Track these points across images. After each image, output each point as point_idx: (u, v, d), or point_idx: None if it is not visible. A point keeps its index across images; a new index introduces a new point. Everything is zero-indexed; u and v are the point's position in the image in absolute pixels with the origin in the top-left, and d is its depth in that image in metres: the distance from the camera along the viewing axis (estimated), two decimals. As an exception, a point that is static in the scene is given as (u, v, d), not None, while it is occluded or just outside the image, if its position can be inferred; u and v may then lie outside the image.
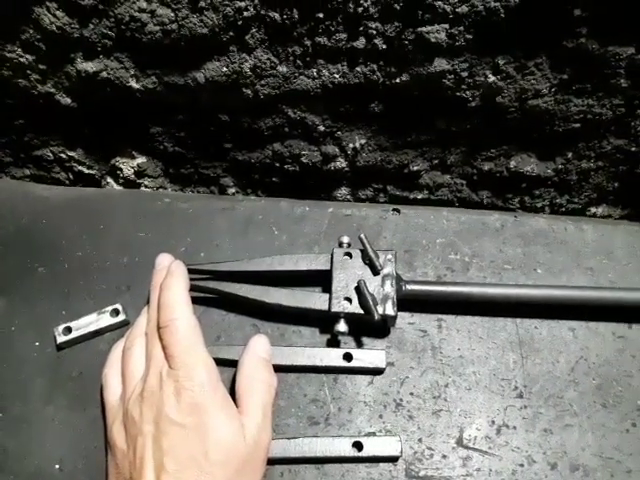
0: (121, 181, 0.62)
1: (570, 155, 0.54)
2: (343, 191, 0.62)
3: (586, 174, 0.56)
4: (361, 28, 0.43)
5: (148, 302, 0.41)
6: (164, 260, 0.42)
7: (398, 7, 0.41)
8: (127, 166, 0.60)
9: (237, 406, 0.36)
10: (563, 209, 0.61)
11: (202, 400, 0.34)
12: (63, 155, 0.60)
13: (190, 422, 0.33)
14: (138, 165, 0.60)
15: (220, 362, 0.39)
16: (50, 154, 0.60)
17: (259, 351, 0.39)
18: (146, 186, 0.62)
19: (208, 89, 0.49)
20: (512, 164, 0.55)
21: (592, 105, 0.48)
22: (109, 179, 0.63)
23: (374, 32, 0.43)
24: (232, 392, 0.37)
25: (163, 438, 0.33)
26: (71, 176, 0.63)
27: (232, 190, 0.63)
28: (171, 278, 0.40)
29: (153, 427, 0.34)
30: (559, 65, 0.45)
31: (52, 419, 0.40)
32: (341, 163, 0.57)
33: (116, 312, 0.43)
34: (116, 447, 0.35)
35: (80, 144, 0.59)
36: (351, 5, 0.41)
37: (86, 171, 0.62)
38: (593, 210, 0.61)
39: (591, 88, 0.46)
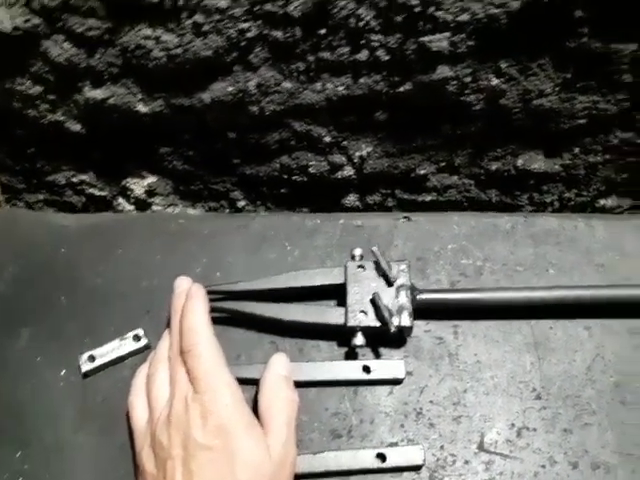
0: (132, 201, 0.63)
1: (577, 150, 0.54)
2: (352, 198, 0.62)
3: (594, 167, 0.56)
4: (363, 41, 0.43)
5: (168, 326, 0.42)
6: (183, 283, 0.43)
7: (399, 19, 0.41)
8: (138, 186, 0.61)
9: (261, 425, 0.37)
10: (572, 203, 0.61)
11: (228, 422, 0.35)
12: (74, 179, 0.61)
13: (217, 444, 0.34)
14: (148, 185, 0.61)
15: (241, 381, 0.40)
16: (62, 179, 0.61)
17: (279, 369, 0.40)
18: (157, 204, 0.63)
19: (214, 109, 0.50)
20: (519, 162, 0.55)
21: (597, 101, 0.48)
22: (120, 199, 0.64)
23: (376, 44, 0.43)
24: (255, 411, 0.38)
25: (192, 461, 0.34)
26: (83, 199, 0.64)
27: (242, 203, 0.64)
28: (191, 302, 0.40)
29: (182, 451, 0.35)
30: (562, 65, 0.45)
31: (81, 446, 0.41)
32: (348, 171, 0.58)
33: (138, 337, 0.44)
34: (146, 472, 0.36)
35: (91, 168, 0.60)
36: (352, 20, 0.42)
37: (97, 193, 0.63)
38: (602, 202, 0.61)
39: (595, 85, 0.46)
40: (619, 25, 0.41)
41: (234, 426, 0.35)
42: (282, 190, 0.61)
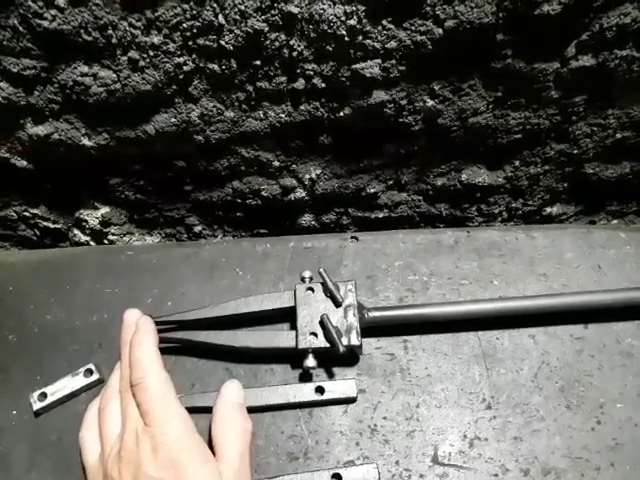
0: (88, 232, 0.63)
1: (517, 163, 0.56)
2: (307, 218, 0.63)
3: (535, 178, 0.58)
4: (298, 70, 0.45)
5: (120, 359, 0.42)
6: (132, 316, 0.43)
7: (330, 48, 0.42)
8: (92, 217, 0.61)
9: (214, 454, 0.37)
10: (520, 212, 0.63)
11: (179, 453, 0.35)
12: (26, 213, 0.60)
13: (169, 476, 0.34)
14: (102, 215, 0.61)
15: (196, 410, 0.40)
16: (13, 214, 0.60)
17: (231, 397, 0.40)
18: (113, 234, 0.63)
19: (160, 139, 0.50)
20: (464, 177, 0.57)
21: (529, 117, 0.50)
22: (76, 231, 0.64)
23: (311, 73, 0.45)
24: (210, 439, 0.38)
25: (143, 496, 0.34)
26: (38, 232, 0.63)
27: (198, 228, 0.64)
28: (139, 335, 0.41)
29: (133, 485, 0.35)
30: (492, 84, 0.47)
31: (35, 486, 0.41)
32: (300, 193, 0.58)
33: (90, 372, 0.44)
34: (99, 509, 0.36)
35: (42, 201, 0.60)
36: (285, 50, 0.43)
37: (52, 226, 0.62)
38: (549, 210, 0.63)
39: (525, 102, 0.48)
40: (540, 46, 0.44)
41: (185, 457, 0.35)
42: (238, 214, 0.62)
